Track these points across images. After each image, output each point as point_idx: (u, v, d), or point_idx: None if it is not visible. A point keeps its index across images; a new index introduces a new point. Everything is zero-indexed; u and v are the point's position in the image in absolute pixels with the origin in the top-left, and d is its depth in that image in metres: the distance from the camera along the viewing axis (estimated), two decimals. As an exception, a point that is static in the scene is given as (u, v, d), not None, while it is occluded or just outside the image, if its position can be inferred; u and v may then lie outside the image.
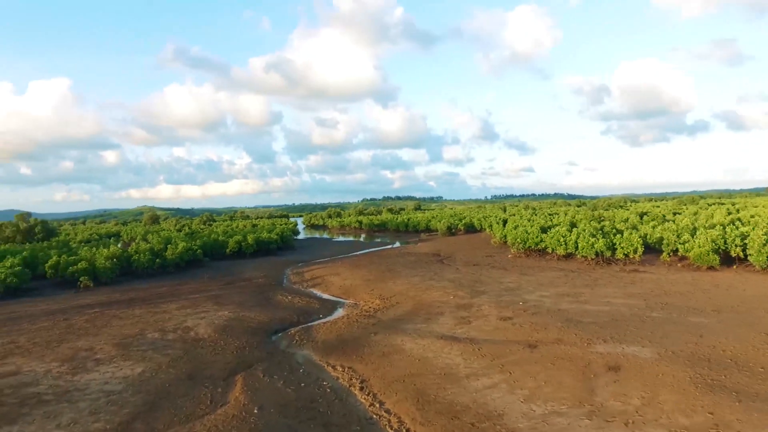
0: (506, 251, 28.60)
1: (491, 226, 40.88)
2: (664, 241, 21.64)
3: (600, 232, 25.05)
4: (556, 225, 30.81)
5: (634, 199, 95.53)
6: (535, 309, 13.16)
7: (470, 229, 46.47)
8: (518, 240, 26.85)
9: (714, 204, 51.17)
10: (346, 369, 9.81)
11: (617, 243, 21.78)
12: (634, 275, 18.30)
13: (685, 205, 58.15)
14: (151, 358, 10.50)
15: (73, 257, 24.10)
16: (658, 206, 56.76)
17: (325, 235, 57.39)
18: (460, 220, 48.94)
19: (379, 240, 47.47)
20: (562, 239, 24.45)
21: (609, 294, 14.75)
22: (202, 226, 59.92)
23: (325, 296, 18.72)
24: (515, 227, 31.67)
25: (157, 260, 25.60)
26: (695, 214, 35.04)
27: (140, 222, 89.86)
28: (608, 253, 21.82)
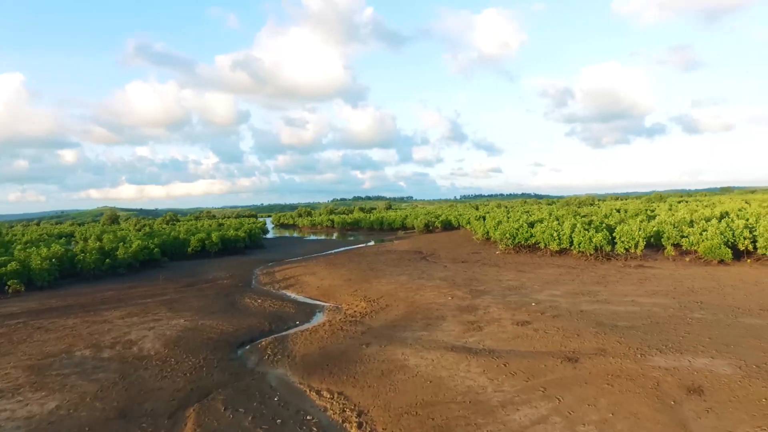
0: (492, 247, 26.83)
1: (469, 222, 39.17)
2: (665, 235, 20.25)
3: (590, 225, 23.57)
4: (541, 220, 29.31)
5: (600, 198, 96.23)
6: (552, 311, 11.18)
7: (447, 226, 44.86)
8: (506, 236, 25.06)
9: (681, 202, 51.20)
10: (336, 395, 7.49)
11: (617, 237, 20.22)
12: (642, 271, 16.67)
13: (654, 203, 58.19)
14: (74, 386, 7.89)
15: (4, 258, 20.74)
16: (627, 204, 56.55)
17: (296, 234, 54.59)
18: (437, 217, 47.21)
19: (352, 238, 45.07)
20: (555, 234, 22.77)
21: (628, 292, 12.95)
22: (164, 226, 55.94)
23: (301, 299, 16.28)
24: (498, 223, 29.96)
25: (107, 260, 22.47)
26: (670, 209, 34.38)
27: (99, 223, 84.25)
28: (608, 248, 20.23)
